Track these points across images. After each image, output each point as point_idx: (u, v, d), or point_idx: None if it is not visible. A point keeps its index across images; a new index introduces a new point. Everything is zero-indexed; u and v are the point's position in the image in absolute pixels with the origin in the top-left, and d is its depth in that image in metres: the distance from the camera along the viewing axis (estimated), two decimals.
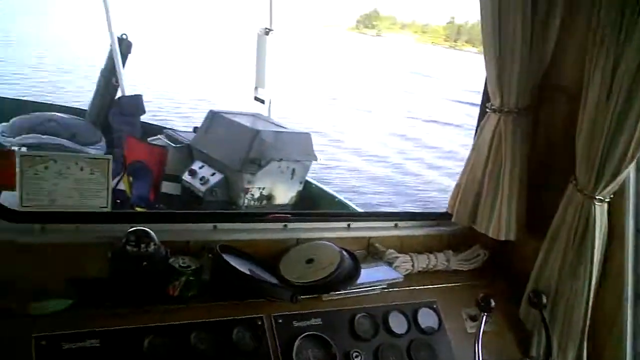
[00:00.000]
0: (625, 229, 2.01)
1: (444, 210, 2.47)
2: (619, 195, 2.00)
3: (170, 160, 4.55)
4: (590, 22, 1.88)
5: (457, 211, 2.35)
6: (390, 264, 2.24)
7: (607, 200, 1.97)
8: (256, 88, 5.39)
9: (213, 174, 4.37)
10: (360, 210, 4.54)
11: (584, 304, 2.02)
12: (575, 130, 1.97)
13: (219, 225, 2.02)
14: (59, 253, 1.70)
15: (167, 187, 4.56)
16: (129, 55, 5.94)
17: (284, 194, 4.51)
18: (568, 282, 2.05)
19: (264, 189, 4.36)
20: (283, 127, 4.78)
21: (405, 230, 2.41)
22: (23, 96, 7.78)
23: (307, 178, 4.76)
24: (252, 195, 4.32)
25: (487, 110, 2.22)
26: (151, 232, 1.70)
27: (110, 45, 5.71)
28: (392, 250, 2.29)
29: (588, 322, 2.05)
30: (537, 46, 2.05)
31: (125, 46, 5.82)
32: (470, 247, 2.46)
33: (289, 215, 2.19)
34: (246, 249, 2.00)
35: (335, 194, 4.87)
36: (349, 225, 2.30)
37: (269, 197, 4.42)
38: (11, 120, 4.87)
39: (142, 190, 4.09)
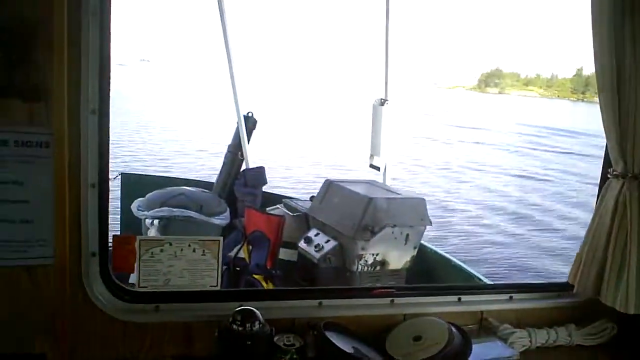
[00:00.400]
0: None
1: (564, 280, 2.27)
2: None
3: (287, 228, 4.63)
4: None
5: (579, 282, 2.16)
6: (504, 340, 2.08)
7: None
8: (372, 156, 5.42)
9: (327, 241, 4.37)
10: (479, 275, 4.29)
11: None
12: None
13: (325, 301, 2.00)
14: (170, 332, 1.77)
15: (284, 253, 4.64)
16: (254, 131, 6.25)
17: (398, 260, 4.39)
18: None
19: (377, 254, 4.28)
20: (397, 193, 4.72)
21: (522, 303, 2.25)
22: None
23: (421, 242, 4.62)
24: (366, 261, 4.26)
25: (609, 176, 2.05)
26: (256, 311, 1.72)
27: (237, 123, 6.05)
28: (507, 325, 2.13)
29: None
30: None
31: (251, 123, 6.13)
32: (596, 320, 2.23)
33: (394, 290, 2.12)
34: (352, 325, 1.95)
35: (450, 257, 4.67)
36: (459, 298, 2.18)
37: (383, 263, 4.32)
38: (147, 195, 5.26)
39: (259, 259, 4.18)
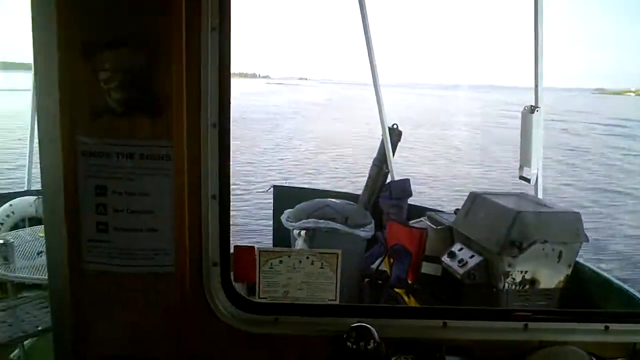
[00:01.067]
0: None
1: None
2: None
3: (431, 241, 4.52)
4: None
5: None
6: None
7: None
8: (521, 167, 5.09)
9: (472, 257, 4.18)
10: None
11: None
12: None
13: (449, 322, 1.86)
14: (288, 345, 1.78)
15: (427, 267, 4.52)
16: (399, 143, 6.20)
17: (550, 279, 4.04)
18: None
19: (526, 272, 3.99)
20: (549, 206, 4.37)
21: None
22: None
23: (578, 260, 4.22)
24: (513, 279, 3.98)
25: None
26: (372, 329, 1.67)
27: (382, 135, 6.05)
28: None
29: None
30: None
31: (395, 135, 6.11)
32: None
33: (530, 314, 1.92)
34: (478, 350, 1.82)
35: (611, 278, 4.19)
36: (606, 327, 1.91)
37: (533, 282, 4.02)
38: (296, 207, 5.44)
39: (400, 272, 4.12)
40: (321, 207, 5.32)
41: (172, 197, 1.60)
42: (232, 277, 1.77)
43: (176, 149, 1.57)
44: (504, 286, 4.00)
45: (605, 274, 4.27)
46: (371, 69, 5.95)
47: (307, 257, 1.81)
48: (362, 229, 5.31)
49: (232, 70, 1.62)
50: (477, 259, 4.14)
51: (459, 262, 4.21)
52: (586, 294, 4.15)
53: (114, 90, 1.52)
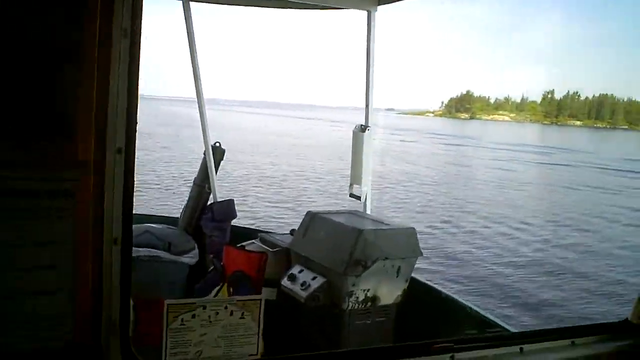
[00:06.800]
0: None
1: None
2: None
3: (267, 265, 4.60)
4: None
5: None
6: None
7: None
8: (351, 185, 5.47)
9: (314, 278, 4.34)
10: (474, 307, 4.33)
11: None
12: None
13: None
14: None
15: (262, 292, 4.60)
16: (222, 162, 6.23)
17: (390, 294, 4.40)
18: None
19: (368, 290, 4.29)
20: (384, 223, 4.76)
21: (584, 349, 2.20)
22: None
23: (413, 275, 4.66)
24: (357, 298, 4.25)
25: None
26: None
27: (204, 153, 6.02)
28: None
29: None
30: None
31: (218, 153, 6.12)
32: None
33: (452, 345, 2.02)
34: None
35: (441, 289, 4.72)
36: (521, 349, 2.10)
37: (374, 299, 4.33)
38: None
39: None
40: (140, 234, 5.10)
41: (74, 245, 1.41)
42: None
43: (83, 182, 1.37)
44: (347, 306, 4.24)
45: (434, 285, 4.77)
46: (195, 84, 5.89)
47: (226, 307, 1.72)
48: (186, 254, 5.23)
49: None
50: (320, 280, 4.31)
51: (301, 285, 4.35)
52: (420, 308, 4.57)
53: None
